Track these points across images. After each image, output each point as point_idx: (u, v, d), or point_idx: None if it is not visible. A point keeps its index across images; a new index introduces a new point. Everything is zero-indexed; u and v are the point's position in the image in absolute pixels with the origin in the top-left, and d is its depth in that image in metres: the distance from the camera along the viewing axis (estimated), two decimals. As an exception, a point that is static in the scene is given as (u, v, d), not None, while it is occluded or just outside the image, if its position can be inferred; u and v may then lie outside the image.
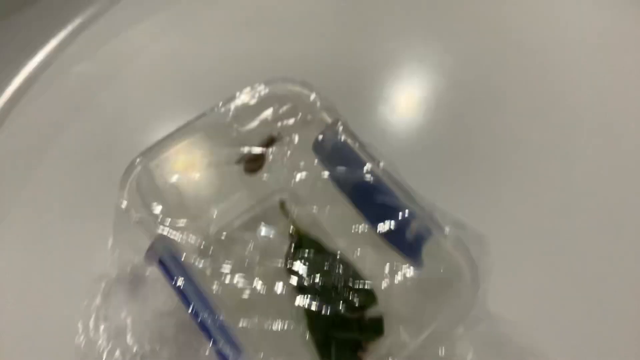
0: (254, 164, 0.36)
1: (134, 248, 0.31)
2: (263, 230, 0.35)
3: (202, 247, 0.34)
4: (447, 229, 0.30)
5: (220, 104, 0.34)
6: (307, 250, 0.33)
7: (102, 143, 0.43)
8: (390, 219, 0.31)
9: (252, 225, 0.35)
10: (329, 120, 0.34)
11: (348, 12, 0.52)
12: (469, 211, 0.31)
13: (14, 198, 0.41)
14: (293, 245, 0.34)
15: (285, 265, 0.33)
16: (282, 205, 0.36)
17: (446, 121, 0.44)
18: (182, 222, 0.33)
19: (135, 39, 0.50)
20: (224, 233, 0.35)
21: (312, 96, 0.34)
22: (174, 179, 0.34)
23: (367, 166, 0.32)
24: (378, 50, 0.49)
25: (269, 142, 0.36)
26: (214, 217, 0.36)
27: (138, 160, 0.32)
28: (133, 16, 0.51)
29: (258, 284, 0.31)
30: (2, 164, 0.43)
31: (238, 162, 0.36)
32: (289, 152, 0.36)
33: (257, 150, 0.36)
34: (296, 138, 0.35)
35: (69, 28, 0.50)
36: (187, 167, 0.34)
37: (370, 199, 0.32)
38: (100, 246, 0.33)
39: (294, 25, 0.50)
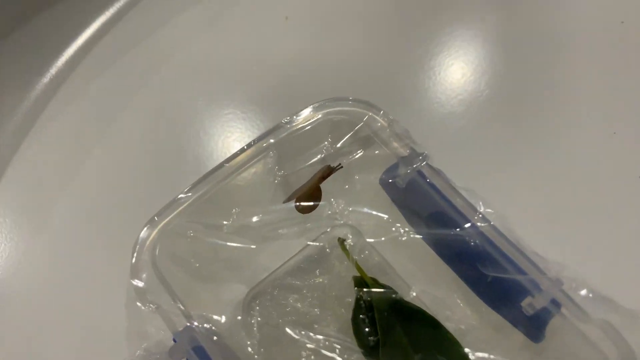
0: (307, 201, 0.29)
1: (154, 330, 0.24)
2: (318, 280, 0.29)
3: (248, 304, 0.29)
4: (584, 305, 0.21)
5: (259, 137, 0.26)
6: (377, 304, 0.27)
7: (125, 175, 0.37)
8: (500, 288, 0.23)
9: (305, 268, 0.30)
10: (401, 150, 0.25)
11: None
12: (611, 278, 0.22)
13: (26, 249, 0.34)
14: (359, 295, 0.27)
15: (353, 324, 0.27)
16: (342, 243, 0.30)
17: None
18: (213, 289, 0.27)
19: (161, 44, 0.43)
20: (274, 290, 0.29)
21: (380, 120, 0.26)
22: (203, 239, 0.27)
23: (467, 219, 0.23)
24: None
25: (325, 175, 0.29)
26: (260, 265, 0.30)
27: (150, 225, 0.25)
28: (156, 19, 0.44)
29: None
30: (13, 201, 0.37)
31: (287, 201, 0.29)
32: (349, 187, 0.29)
33: (311, 185, 0.29)
34: (358, 173, 0.28)
35: (80, 40, 0.43)
36: (219, 220, 0.27)
37: (469, 260, 0.23)
38: (113, 326, 0.25)
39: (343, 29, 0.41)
